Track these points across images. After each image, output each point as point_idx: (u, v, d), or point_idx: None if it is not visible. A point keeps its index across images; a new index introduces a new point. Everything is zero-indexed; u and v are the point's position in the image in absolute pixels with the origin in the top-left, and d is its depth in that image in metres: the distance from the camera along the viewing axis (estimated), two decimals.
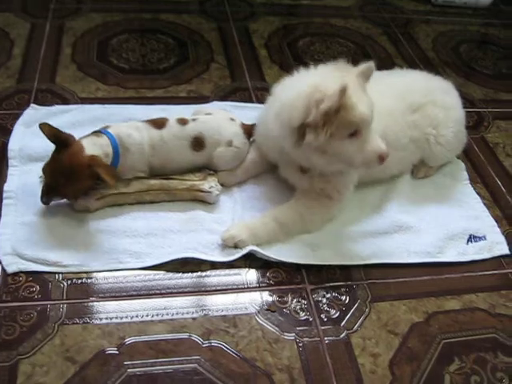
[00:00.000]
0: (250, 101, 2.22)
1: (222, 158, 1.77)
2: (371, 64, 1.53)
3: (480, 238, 1.77)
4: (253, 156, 1.83)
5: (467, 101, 2.33)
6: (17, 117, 1.94)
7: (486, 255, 1.73)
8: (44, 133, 1.53)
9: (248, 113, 2.10)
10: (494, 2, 3.25)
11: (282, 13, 2.92)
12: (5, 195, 1.66)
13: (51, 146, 1.59)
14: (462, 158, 2.07)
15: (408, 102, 1.80)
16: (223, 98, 2.20)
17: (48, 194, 1.58)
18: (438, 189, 1.93)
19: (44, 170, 1.56)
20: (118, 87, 2.18)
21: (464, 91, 2.16)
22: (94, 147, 1.58)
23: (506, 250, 1.75)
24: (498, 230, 1.81)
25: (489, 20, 3.17)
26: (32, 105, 2.01)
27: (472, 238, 1.76)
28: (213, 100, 2.16)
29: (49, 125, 1.54)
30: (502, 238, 1.78)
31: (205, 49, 2.51)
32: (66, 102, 2.05)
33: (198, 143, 1.74)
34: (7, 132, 1.88)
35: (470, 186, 1.97)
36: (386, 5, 3.16)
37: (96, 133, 1.64)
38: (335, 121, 1.44)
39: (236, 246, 1.59)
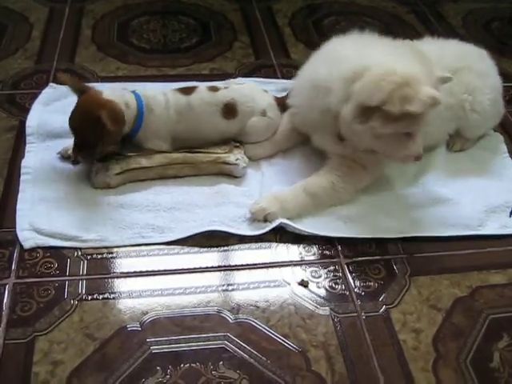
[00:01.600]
0: (276, 77, 2.13)
1: (255, 128, 1.69)
2: (451, 77, 1.54)
3: None
4: (283, 129, 1.75)
5: (503, 75, 2.19)
6: (35, 96, 1.89)
7: None
8: (61, 81, 1.56)
9: (274, 88, 2.02)
10: None
11: None
12: (22, 171, 1.60)
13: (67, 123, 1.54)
14: (500, 131, 1.96)
15: (442, 67, 1.69)
16: (248, 74, 2.12)
17: (74, 150, 1.53)
18: (475, 162, 1.83)
19: (69, 123, 1.52)
20: (138, 66, 2.12)
21: (499, 66, 2.05)
22: (114, 95, 1.53)
23: None
24: None
25: None
26: (51, 84, 1.95)
27: None
28: (237, 77, 2.08)
29: (66, 74, 1.55)
30: None
31: (227, 29, 2.43)
32: (85, 80, 1.97)
33: (229, 110, 1.65)
34: (25, 111, 1.83)
35: (509, 158, 1.85)
36: None
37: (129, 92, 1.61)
38: (407, 120, 1.40)
39: (266, 220, 1.51)
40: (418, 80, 1.39)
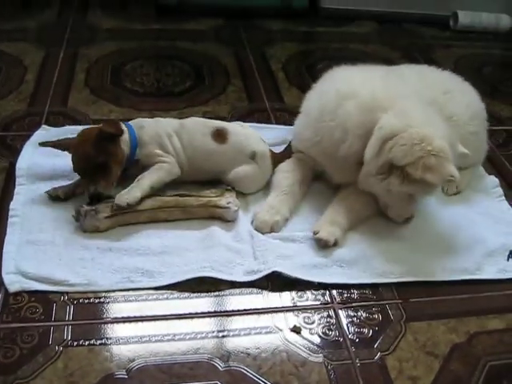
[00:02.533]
0: (269, 122, 2.13)
1: (241, 174, 1.67)
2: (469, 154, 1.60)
3: None
4: (291, 184, 1.71)
5: (495, 119, 2.22)
6: (26, 138, 1.88)
7: None
8: (48, 146, 1.60)
9: (267, 133, 2.01)
10: None
11: (298, 39, 2.88)
12: (10, 213, 1.57)
13: (59, 166, 1.59)
14: (495, 174, 1.95)
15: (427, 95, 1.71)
16: (240, 118, 2.11)
17: (91, 181, 1.54)
18: (471, 205, 1.80)
19: (74, 166, 1.56)
20: (131, 109, 2.11)
21: (491, 109, 2.06)
22: None
23: None
24: None
25: (511, 44, 3.08)
26: (43, 125, 1.95)
27: None
28: (230, 120, 2.07)
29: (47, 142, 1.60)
30: None
31: (221, 73, 2.45)
32: (77, 123, 1.98)
33: (220, 134, 1.67)
34: (16, 152, 1.81)
35: (505, 201, 1.84)
36: (404, 31, 3.09)
37: None
38: (422, 186, 1.49)
39: (335, 244, 1.55)
40: (446, 154, 1.47)
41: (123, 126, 1.61)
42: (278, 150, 1.91)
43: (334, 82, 1.71)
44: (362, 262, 1.53)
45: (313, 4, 3.06)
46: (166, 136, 1.64)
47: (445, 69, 1.98)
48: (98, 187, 1.53)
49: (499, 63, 2.88)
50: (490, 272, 1.56)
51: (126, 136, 1.59)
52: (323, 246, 1.54)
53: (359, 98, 1.57)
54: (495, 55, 2.96)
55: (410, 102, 1.57)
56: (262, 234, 1.57)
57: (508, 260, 1.60)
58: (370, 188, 1.58)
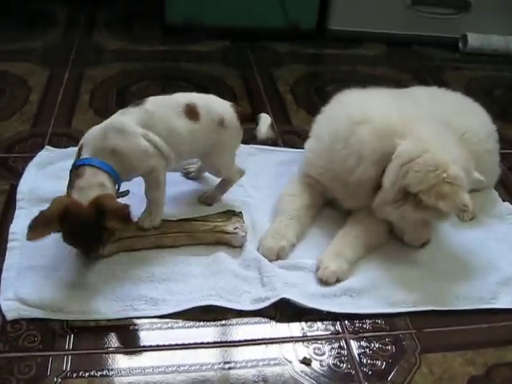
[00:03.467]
0: (277, 144, 2.08)
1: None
2: (484, 181, 1.58)
3: None
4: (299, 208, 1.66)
5: (506, 142, 2.18)
6: (28, 160, 1.84)
7: None
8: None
9: (275, 157, 1.99)
10: None
11: (306, 61, 2.84)
12: (10, 237, 1.52)
13: (61, 189, 1.45)
14: (509, 200, 1.89)
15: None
16: (248, 141, 2.05)
17: (89, 252, 1.41)
18: (486, 231, 1.75)
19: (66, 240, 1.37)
20: None
21: (502, 133, 2.01)
22: (84, 193, 1.34)
23: None
24: None
25: None
26: (46, 146, 1.91)
27: None
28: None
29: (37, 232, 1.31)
30: None
31: (228, 94, 2.40)
32: None
33: (191, 111, 1.53)
34: (18, 174, 1.77)
35: None
36: (413, 53, 3.06)
37: (76, 170, 1.39)
38: (436, 213, 1.47)
39: (338, 281, 1.49)
40: (461, 183, 1.44)
41: (105, 181, 1.37)
42: (286, 172, 1.87)
43: (344, 105, 1.67)
44: (372, 290, 1.48)
45: (320, 26, 3.03)
46: (141, 137, 1.45)
47: (455, 90, 1.94)
48: (93, 254, 1.42)
49: (510, 86, 2.83)
50: (506, 301, 1.51)
51: (110, 185, 1.39)
52: (325, 283, 1.48)
53: (373, 123, 1.53)
54: (506, 78, 2.91)
55: (425, 126, 1.53)
56: (269, 261, 1.52)
57: None
58: (385, 215, 1.54)
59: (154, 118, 1.48)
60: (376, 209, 1.54)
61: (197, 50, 2.80)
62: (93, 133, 1.47)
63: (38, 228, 1.30)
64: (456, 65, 2.98)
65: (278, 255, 1.53)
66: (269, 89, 2.50)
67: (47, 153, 1.87)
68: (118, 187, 1.45)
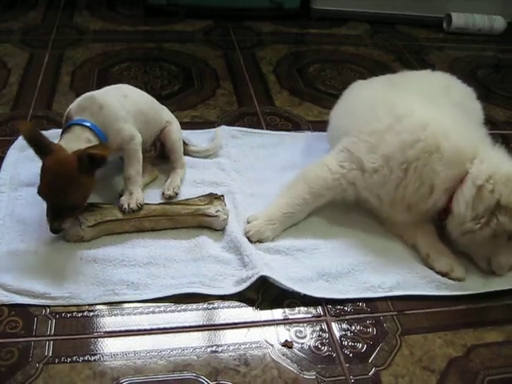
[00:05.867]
0: (259, 126, 2.08)
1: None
2: None
3: None
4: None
5: (490, 123, 2.18)
6: (8, 144, 1.81)
7: None
8: (22, 132, 1.39)
9: (257, 139, 1.98)
10: (508, 28, 3.13)
11: (289, 41, 2.82)
12: None
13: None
14: None
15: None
16: (230, 123, 2.06)
17: (56, 216, 1.40)
18: None
19: (41, 192, 1.39)
20: None
21: (486, 114, 2.02)
22: (73, 143, 1.41)
23: None
24: None
25: (505, 46, 3.05)
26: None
27: None
28: (219, 125, 2.02)
29: (30, 124, 1.37)
30: None
31: (210, 75, 2.39)
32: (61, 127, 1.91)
33: None
34: None
35: None
36: (397, 33, 3.05)
37: (68, 128, 1.48)
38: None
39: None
40: None
41: (91, 137, 1.46)
42: (268, 155, 1.87)
43: (415, 129, 1.53)
44: (349, 275, 1.48)
45: (304, 5, 3.01)
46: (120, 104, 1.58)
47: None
48: (64, 225, 1.42)
49: (494, 65, 2.84)
50: (475, 286, 1.50)
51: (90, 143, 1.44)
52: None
53: (444, 153, 1.48)
54: (489, 57, 2.92)
55: (488, 146, 1.54)
56: (250, 241, 1.52)
57: None
58: (469, 243, 1.50)
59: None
60: (458, 239, 1.52)
61: (179, 30, 2.78)
62: (80, 98, 1.57)
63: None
64: (440, 45, 2.98)
65: (259, 240, 1.53)
66: (252, 69, 2.48)
67: None
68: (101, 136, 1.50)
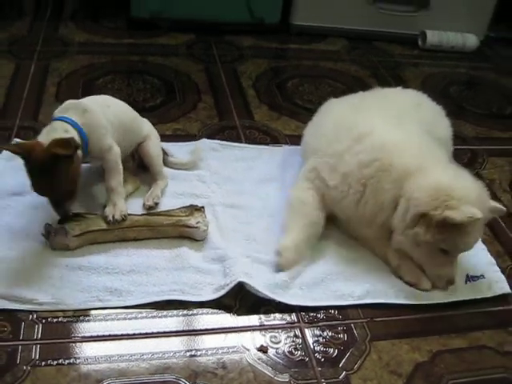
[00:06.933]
0: (239, 139, 2.15)
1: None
2: (504, 209, 1.60)
3: (478, 277, 1.66)
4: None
5: (460, 138, 2.28)
6: None
7: (487, 294, 1.62)
8: (9, 150, 1.47)
9: (237, 152, 2.05)
10: (480, 46, 3.25)
11: (269, 56, 2.90)
12: None
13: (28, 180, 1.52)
14: None
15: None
16: (211, 136, 2.13)
17: (59, 204, 1.50)
18: None
19: (35, 191, 1.47)
20: None
21: (456, 130, 2.12)
22: (50, 135, 1.47)
23: (507, 289, 1.63)
24: (497, 268, 1.70)
25: (476, 63, 3.16)
26: (15, 139, 1.94)
27: (470, 278, 1.65)
28: (200, 138, 2.09)
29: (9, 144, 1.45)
30: (501, 277, 1.67)
31: (192, 89, 2.46)
32: None
33: None
34: None
35: None
36: (374, 49, 3.14)
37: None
38: (448, 233, 1.47)
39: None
40: (468, 200, 1.46)
41: (70, 129, 1.50)
42: (246, 167, 1.95)
43: (373, 149, 1.62)
44: (321, 284, 1.56)
45: (284, 20, 3.10)
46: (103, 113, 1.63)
47: (412, 87, 2.04)
48: (67, 208, 1.52)
49: (466, 82, 2.95)
50: (440, 296, 1.58)
51: (74, 135, 1.51)
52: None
53: (394, 174, 1.57)
54: (462, 74, 3.03)
55: (437, 163, 1.59)
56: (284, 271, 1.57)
57: (466, 284, 1.63)
58: (402, 245, 1.58)
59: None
60: (393, 243, 1.59)
61: (163, 44, 2.85)
62: (65, 103, 1.61)
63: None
64: (415, 61, 3.08)
65: (293, 267, 1.58)
66: (232, 84, 2.56)
67: None
68: (85, 152, 1.55)
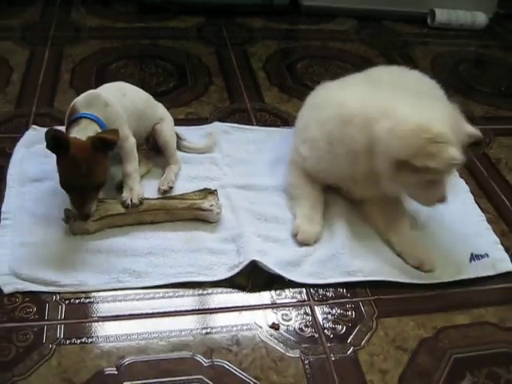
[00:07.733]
0: (250, 122, 2.20)
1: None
2: (480, 135, 1.67)
3: (482, 256, 1.70)
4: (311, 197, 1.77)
5: (467, 118, 2.30)
6: (14, 140, 1.93)
7: (491, 272, 1.67)
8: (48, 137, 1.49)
9: (248, 135, 2.10)
10: (490, 24, 3.26)
11: (279, 37, 2.94)
12: (2, 216, 1.63)
13: (50, 167, 1.61)
14: (466, 174, 2.04)
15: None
16: (222, 119, 2.18)
17: (84, 201, 1.54)
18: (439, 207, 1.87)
19: (66, 183, 1.54)
20: None
21: (465, 108, 2.15)
22: (83, 133, 1.55)
23: (510, 267, 1.68)
24: (501, 246, 1.75)
25: (486, 41, 3.17)
26: (33, 126, 2.00)
27: (474, 257, 1.70)
28: (212, 121, 2.15)
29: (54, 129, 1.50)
30: (505, 255, 1.72)
31: (203, 72, 2.51)
32: (62, 124, 2.02)
33: None
34: (5, 155, 1.86)
35: (474, 204, 1.91)
36: (383, 28, 3.17)
37: (75, 121, 1.60)
38: (431, 173, 1.48)
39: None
40: (447, 138, 1.46)
41: (97, 128, 1.58)
42: (257, 150, 2.01)
43: (332, 106, 1.70)
44: (332, 260, 1.61)
45: (293, 1, 3.12)
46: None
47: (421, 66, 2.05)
48: (91, 209, 1.56)
49: (474, 60, 2.97)
50: (444, 275, 1.63)
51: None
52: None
53: (357, 121, 1.59)
54: (471, 52, 3.05)
55: (400, 100, 1.58)
56: (302, 245, 1.66)
57: (470, 262, 1.68)
58: (394, 191, 1.64)
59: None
60: (385, 191, 1.64)
61: (173, 27, 2.89)
62: (85, 94, 1.68)
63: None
64: (424, 40, 3.10)
65: (315, 239, 1.67)
66: (243, 66, 2.60)
67: (34, 132, 1.97)
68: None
